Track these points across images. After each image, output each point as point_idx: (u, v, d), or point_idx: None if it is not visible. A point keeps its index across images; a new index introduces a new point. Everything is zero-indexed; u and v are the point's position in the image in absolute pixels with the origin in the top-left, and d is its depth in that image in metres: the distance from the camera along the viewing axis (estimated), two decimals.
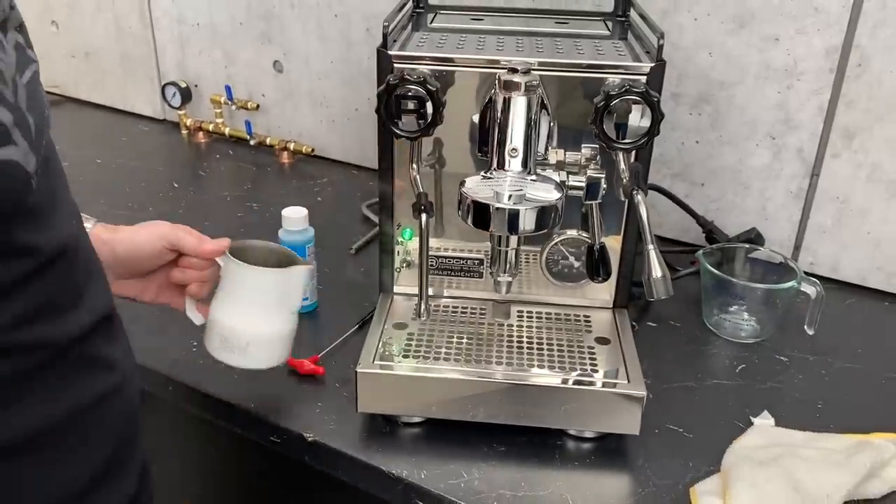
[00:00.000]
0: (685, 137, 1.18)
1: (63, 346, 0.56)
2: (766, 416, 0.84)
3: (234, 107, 1.57)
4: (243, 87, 1.57)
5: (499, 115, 0.76)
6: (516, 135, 0.75)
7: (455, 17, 1.03)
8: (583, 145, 0.84)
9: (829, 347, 0.98)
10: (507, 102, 0.76)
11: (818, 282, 0.95)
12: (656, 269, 0.74)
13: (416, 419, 0.83)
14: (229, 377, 0.90)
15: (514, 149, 0.75)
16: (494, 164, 0.76)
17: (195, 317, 0.83)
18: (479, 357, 0.83)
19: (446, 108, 0.81)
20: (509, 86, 0.76)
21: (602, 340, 0.87)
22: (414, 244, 0.93)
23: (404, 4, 0.97)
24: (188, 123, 1.63)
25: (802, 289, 0.96)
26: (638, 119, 0.77)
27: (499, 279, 0.83)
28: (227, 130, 1.60)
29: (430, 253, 0.92)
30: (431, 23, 1.00)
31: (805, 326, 0.98)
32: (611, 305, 0.93)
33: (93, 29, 1.74)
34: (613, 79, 0.80)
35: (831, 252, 1.13)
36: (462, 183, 0.75)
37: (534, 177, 0.76)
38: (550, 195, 0.73)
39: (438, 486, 0.76)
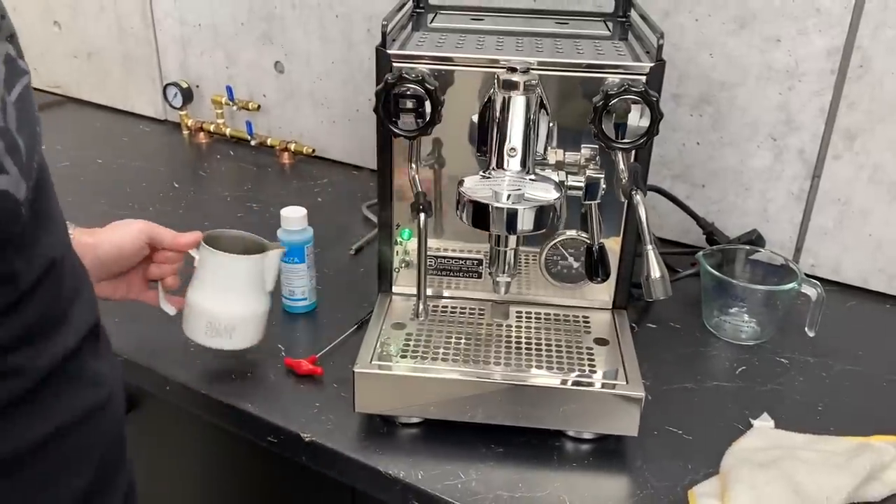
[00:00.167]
0: (686, 139, 1.17)
1: (48, 369, 0.54)
2: (765, 418, 0.84)
3: (235, 107, 1.57)
4: (244, 87, 1.57)
5: (498, 114, 0.76)
6: (515, 134, 0.75)
7: (455, 17, 1.03)
8: (582, 145, 0.83)
9: (830, 350, 0.98)
10: (505, 102, 0.75)
11: (819, 283, 0.95)
12: (655, 270, 0.73)
13: (414, 419, 0.83)
14: (227, 377, 0.90)
15: (512, 148, 0.75)
16: (493, 164, 0.76)
17: (169, 308, 0.89)
18: (477, 357, 0.83)
19: (446, 107, 0.81)
20: (508, 85, 0.75)
21: (601, 341, 0.87)
22: (413, 244, 0.92)
23: (404, 4, 0.97)
24: (189, 124, 1.63)
25: (803, 290, 0.95)
26: (637, 119, 0.76)
27: (498, 279, 0.83)
28: (228, 131, 1.59)
29: (429, 253, 0.92)
30: (431, 23, 0.99)
31: (806, 328, 0.98)
32: (610, 306, 0.93)
33: (95, 29, 1.74)
34: (613, 78, 0.80)
35: (833, 254, 1.12)
36: (460, 182, 0.74)
37: (532, 176, 0.75)
38: (549, 195, 0.73)
39: (435, 486, 0.75)
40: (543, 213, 0.72)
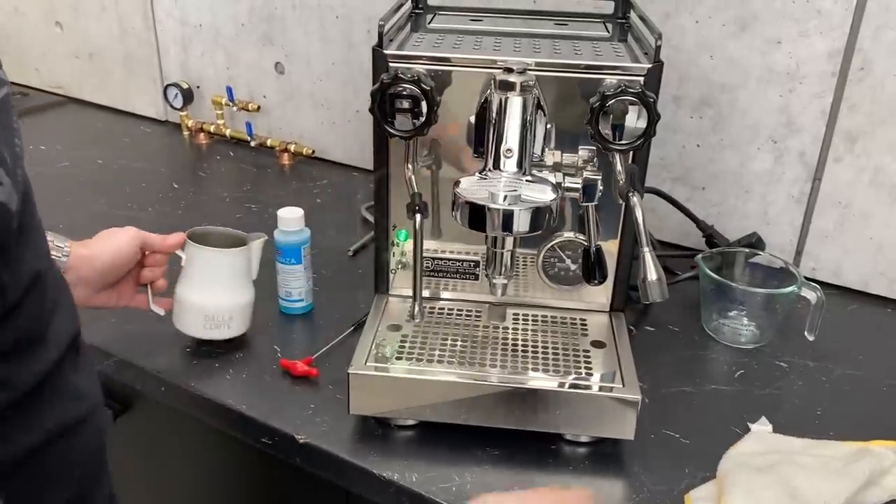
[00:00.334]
0: (686, 141, 1.17)
1: (33, 383, 0.53)
2: (763, 422, 0.83)
3: (235, 108, 1.57)
4: (245, 88, 1.57)
5: (494, 115, 0.75)
6: (511, 135, 0.75)
7: (454, 18, 1.03)
8: (580, 147, 0.83)
9: (830, 354, 0.97)
10: (502, 103, 0.75)
11: (819, 287, 0.94)
12: (652, 272, 0.73)
13: (410, 422, 0.82)
14: (222, 378, 0.90)
15: (509, 149, 0.74)
16: (489, 165, 0.75)
17: (159, 310, 0.92)
18: (473, 360, 0.82)
19: (443, 108, 0.80)
20: (505, 86, 0.75)
21: (598, 344, 0.86)
22: (409, 245, 0.92)
23: (402, 5, 0.96)
24: (190, 124, 1.63)
25: (803, 294, 0.95)
26: (634, 120, 0.76)
27: (494, 281, 0.82)
28: (228, 132, 1.59)
29: (426, 254, 0.92)
30: (430, 23, 0.99)
31: (805, 332, 0.97)
32: (607, 309, 0.92)
33: (96, 30, 1.74)
34: (610, 80, 0.80)
35: (833, 257, 1.12)
36: (456, 183, 0.74)
37: (529, 178, 0.75)
38: (545, 196, 0.72)
39: (430, 489, 0.75)
40: (539, 215, 0.71)
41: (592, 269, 0.85)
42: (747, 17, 1.07)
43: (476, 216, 0.72)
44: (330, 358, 0.92)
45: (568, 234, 0.89)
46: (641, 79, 0.79)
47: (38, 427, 0.54)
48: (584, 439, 0.81)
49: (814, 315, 0.95)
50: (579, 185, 0.80)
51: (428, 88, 0.76)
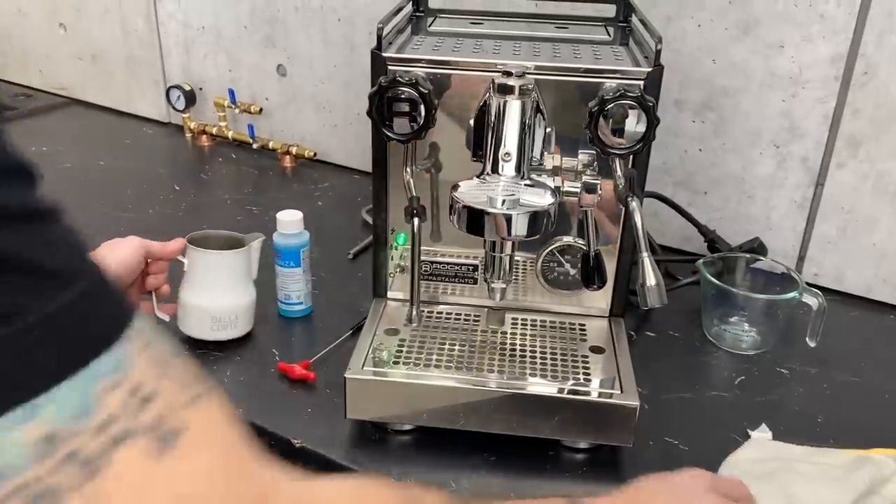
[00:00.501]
0: (688, 145, 1.16)
1: None
2: (763, 429, 0.82)
3: (237, 110, 1.57)
4: (247, 90, 1.57)
5: (493, 118, 0.75)
6: (510, 139, 0.74)
7: (455, 20, 1.02)
8: (580, 151, 0.82)
9: (832, 360, 0.96)
10: (501, 106, 0.74)
11: (820, 293, 0.93)
12: (650, 277, 0.72)
13: (407, 426, 0.82)
14: (219, 380, 0.89)
15: (507, 153, 0.74)
16: (488, 169, 0.75)
17: (164, 316, 0.93)
18: (470, 365, 0.82)
19: (443, 111, 0.80)
20: (503, 89, 0.74)
21: (596, 349, 0.86)
22: (408, 249, 0.92)
23: (402, 7, 0.96)
24: (192, 126, 1.63)
25: (804, 300, 0.94)
26: (634, 124, 0.75)
27: (493, 286, 0.81)
28: (230, 134, 1.59)
29: (424, 258, 0.91)
30: (430, 26, 0.99)
31: (807, 339, 0.96)
32: (607, 314, 0.92)
33: (99, 31, 1.75)
34: (610, 83, 0.79)
35: (836, 263, 1.11)
36: (454, 187, 0.73)
37: (527, 181, 0.74)
38: (543, 200, 0.72)
39: None
40: (537, 219, 0.71)
41: (591, 274, 0.84)
42: (750, 20, 1.06)
43: (474, 220, 0.71)
44: (328, 361, 0.92)
45: (567, 239, 0.88)
46: (641, 83, 0.79)
47: None
48: (582, 446, 0.80)
49: (815, 321, 0.95)
50: (578, 190, 0.79)
51: (426, 92, 0.75)
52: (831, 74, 1.03)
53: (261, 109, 1.55)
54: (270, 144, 1.54)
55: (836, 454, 0.78)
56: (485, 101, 0.79)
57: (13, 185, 0.33)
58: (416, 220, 0.79)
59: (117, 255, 0.87)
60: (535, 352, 0.85)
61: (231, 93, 1.56)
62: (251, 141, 1.56)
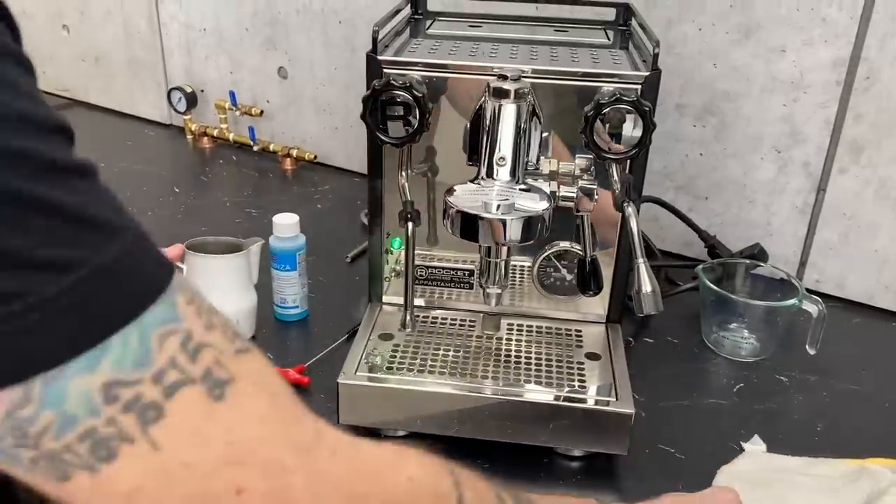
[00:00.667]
0: (689, 149, 1.15)
1: None
2: (756, 441, 0.81)
3: (238, 112, 1.56)
4: (248, 92, 1.57)
5: (488, 122, 0.74)
6: (505, 143, 0.73)
7: (454, 23, 1.02)
8: (577, 155, 0.82)
9: (832, 368, 0.95)
10: (496, 110, 0.74)
11: (820, 300, 0.92)
12: (646, 284, 0.72)
13: (401, 432, 0.81)
14: None
15: (501, 157, 0.73)
16: (482, 173, 0.74)
17: None
18: (465, 371, 0.81)
19: (439, 115, 0.80)
20: (498, 93, 0.74)
21: (592, 356, 0.85)
22: (403, 253, 0.91)
23: (399, 10, 0.95)
24: (193, 128, 1.63)
25: (804, 307, 0.93)
26: (630, 129, 0.74)
27: (489, 291, 0.81)
28: (231, 136, 1.59)
29: (420, 263, 0.91)
30: (429, 29, 0.98)
31: (807, 346, 0.95)
32: (604, 320, 0.91)
33: (102, 33, 1.75)
34: (607, 87, 0.78)
35: (838, 269, 1.10)
36: (448, 191, 0.73)
37: (522, 186, 0.74)
38: (537, 205, 0.71)
39: None
40: (531, 224, 0.70)
41: (588, 279, 0.84)
42: (751, 24, 1.05)
43: (468, 225, 0.71)
44: (323, 366, 0.91)
45: (564, 244, 0.87)
46: (639, 87, 0.78)
47: None
48: (577, 453, 0.79)
49: (815, 328, 0.93)
50: (574, 194, 0.79)
51: (420, 95, 0.75)
52: (833, 79, 1.02)
53: (262, 112, 1.55)
54: (271, 147, 1.54)
55: (833, 465, 0.77)
56: (480, 105, 0.78)
57: (59, 142, 0.34)
58: (409, 225, 0.78)
59: None
60: (531, 358, 0.84)
61: (232, 95, 1.56)
62: (252, 143, 1.56)
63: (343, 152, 1.50)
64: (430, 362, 0.82)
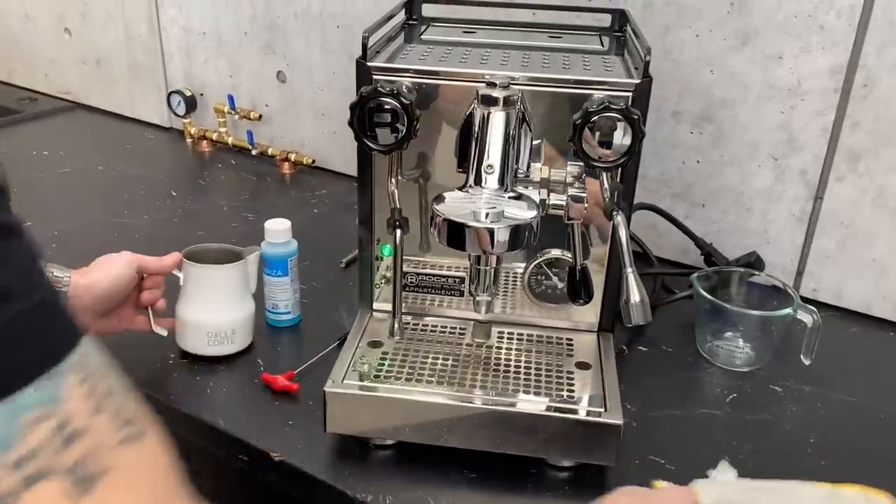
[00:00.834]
0: (686, 156, 1.14)
1: None
2: (724, 468, 0.76)
3: (237, 116, 1.56)
4: (247, 96, 1.57)
5: (476, 130, 0.74)
6: (493, 151, 0.73)
7: (448, 29, 1.01)
8: (568, 163, 0.81)
9: (828, 378, 0.94)
10: (485, 117, 0.73)
11: (815, 310, 0.91)
12: (635, 294, 0.71)
13: (389, 441, 0.80)
14: (202, 391, 0.89)
15: (489, 165, 0.73)
16: (471, 181, 0.74)
17: (161, 331, 0.92)
18: (453, 380, 0.81)
19: (430, 121, 0.79)
20: (487, 100, 0.73)
21: (583, 365, 0.84)
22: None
23: (393, 15, 0.95)
24: (193, 132, 1.63)
25: (798, 317, 0.92)
26: (620, 137, 0.74)
27: (478, 298, 0.80)
28: (230, 140, 1.59)
29: (410, 270, 0.90)
30: (423, 34, 0.98)
31: (801, 356, 0.94)
32: (596, 329, 0.90)
33: (103, 36, 1.75)
34: (599, 95, 0.78)
35: (835, 278, 1.09)
36: (436, 199, 0.72)
37: (511, 194, 0.73)
38: (525, 213, 0.70)
39: None
40: (519, 233, 0.69)
41: (578, 288, 0.83)
42: (748, 31, 1.04)
43: (454, 234, 0.70)
44: (313, 373, 0.91)
45: (555, 252, 0.87)
46: (629, 95, 0.77)
47: None
48: (565, 464, 0.78)
49: (810, 338, 0.92)
50: (564, 202, 0.78)
51: (408, 102, 0.74)
52: (831, 86, 1.01)
53: (260, 116, 1.54)
54: (269, 151, 1.54)
55: (805, 489, 0.74)
56: (470, 112, 0.78)
57: None
58: (398, 232, 0.78)
59: (110, 270, 0.86)
60: (520, 367, 0.83)
61: (230, 98, 1.56)
62: (251, 147, 1.56)
63: (341, 157, 1.50)
64: (418, 370, 0.82)
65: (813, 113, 1.03)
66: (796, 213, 1.09)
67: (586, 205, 0.78)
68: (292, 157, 1.51)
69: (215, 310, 0.91)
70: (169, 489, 0.37)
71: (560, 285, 0.88)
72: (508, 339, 0.88)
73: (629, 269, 0.71)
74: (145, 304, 0.91)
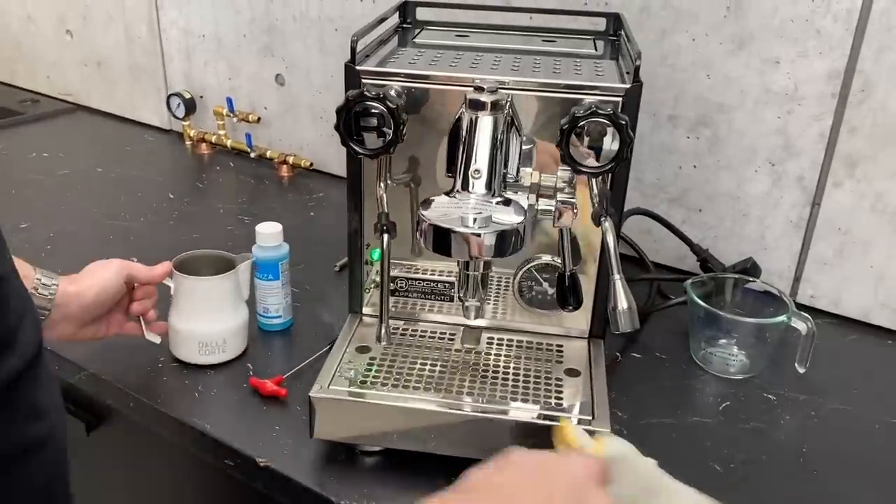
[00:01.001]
0: (682, 161, 1.14)
1: None
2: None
3: (235, 119, 1.56)
4: (246, 99, 1.57)
5: (464, 134, 0.73)
6: (480, 155, 0.72)
7: (442, 32, 1.01)
8: (559, 168, 0.80)
9: (823, 387, 0.93)
10: (472, 122, 0.73)
11: (810, 317, 0.90)
12: (622, 301, 0.70)
13: (376, 448, 0.80)
14: (190, 395, 0.88)
15: (476, 170, 0.72)
16: (458, 186, 0.73)
17: (154, 338, 0.92)
18: (440, 385, 0.80)
19: (420, 125, 0.79)
20: (475, 105, 0.73)
21: (572, 372, 0.83)
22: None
23: (385, 18, 0.94)
24: (192, 134, 1.63)
25: (793, 324, 0.91)
26: (609, 143, 0.73)
27: (467, 304, 0.79)
28: (229, 142, 1.59)
29: (400, 275, 0.90)
30: (416, 38, 0.97)
31: (796, 364, 0.93)
32: (587, 335, 0.89)
33: (104, 38, 1.75)
34: (589, 100, 0.77)
35: (833, 285, 1.07)
36: (423, 204, 0.72)
37: (499, 199, 0.72)
38: (512, 219, 0.70)
39: None
40: (505, 238, 0.69)
41: (566, 294, 0.82)
42: (745, 35, 1.04)
43: (440, 239, 0.69)
44: (302, 377, 0.90)
45: (546, 258, 0.86)
46: (620, 99, 0.77)
47: None
48: None
49: (804, 346, 0.91)
50: (553, 208, 0.77)
51: (394, 106, 0.73)
52: (828, 91, 1.00)
53: (259, 118, 1.54)
54: (268, 153, 1.53)
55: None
56: (458, 116, 0.77)
57: None
58: (385, 237, 0.77)
59: (96, 280, 0.85)
60: (509, 373, 0.83)
61: (229, 101, 1.56)
62: (249, 150, 1.56)
63: (339, 160, 1.50)
64: (406, 376, 0.81)
65: (810, 118, 1.02)
66: (793, 219, 1.07)
67: (576, 210, 0.77)
68: (290, 159, 1.50)
69: (206, 320, 0.91)
70: None
71: (550, 291, 0.87)
72: (498, 344, 0.88)
73: (617, 276, 0.71)
74: (136, 314, 0.91)
